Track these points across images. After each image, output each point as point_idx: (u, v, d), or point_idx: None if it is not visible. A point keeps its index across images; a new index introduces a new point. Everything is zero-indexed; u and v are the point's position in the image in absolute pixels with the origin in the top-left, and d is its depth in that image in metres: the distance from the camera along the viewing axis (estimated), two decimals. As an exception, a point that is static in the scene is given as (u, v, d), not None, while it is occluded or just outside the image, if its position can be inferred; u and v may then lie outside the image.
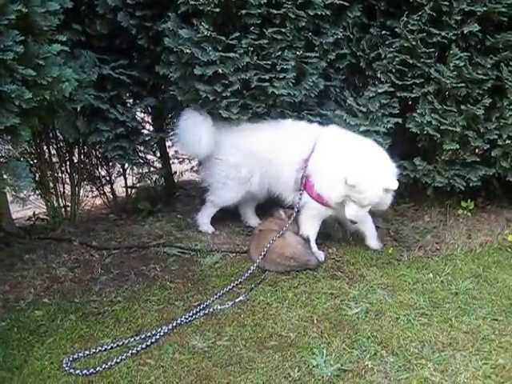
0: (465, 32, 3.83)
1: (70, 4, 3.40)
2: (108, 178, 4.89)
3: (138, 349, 2.74)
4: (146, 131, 4.77)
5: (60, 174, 4.60)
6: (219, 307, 3.09)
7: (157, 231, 4.28)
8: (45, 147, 4.48)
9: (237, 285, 3.33)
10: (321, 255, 3.67)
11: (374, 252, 3.79)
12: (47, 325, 3.04)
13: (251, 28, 3.68)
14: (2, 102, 2.95)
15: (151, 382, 2.53)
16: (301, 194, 3.70)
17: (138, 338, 2.85)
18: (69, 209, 4.57)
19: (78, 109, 4.01)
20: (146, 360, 2.68)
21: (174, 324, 2.94)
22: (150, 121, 4.99)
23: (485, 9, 3.75)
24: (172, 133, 5.16)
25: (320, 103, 4.19)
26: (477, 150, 4.27)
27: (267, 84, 3.75)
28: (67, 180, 4.60)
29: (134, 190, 5.06)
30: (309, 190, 3.67)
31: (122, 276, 3.58)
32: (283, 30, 3.70)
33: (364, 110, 4.05)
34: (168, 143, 5.11)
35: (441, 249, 3.89)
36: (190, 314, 3.02)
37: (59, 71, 3.19)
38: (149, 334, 2.87)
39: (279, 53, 3.75)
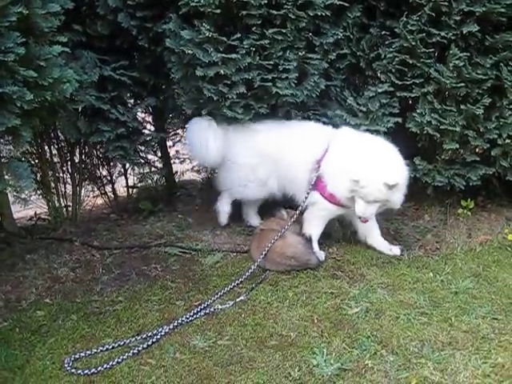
0: (464, 32, 3.83)
1: (70, 5, 3.41)
2: (109, 178, 4.91)
3: (140, 348, 2.76)
4: (146, 131, 4.77)
5: (61, 174, 4.61)
6: (220, 307, 3.11)
7: (158, 231, 4.30)
8: (46, 147, 4.49)
9: (237, 284, 3.34)
10: (321, 255, 3.68)
11: (374, 251, 3.80)
12: (49, 325, 3.05)
13: (253, 28, 3.69)
14: (3, 104, 2.96)
15: (152, 381, 2.54)
16: (308, 194, 3.70)
17: (139, 337, 2.87)
18: (70, 209, 4.58)
19: (79, 109, 4.02)
20: (147, 360, 2.70)
21: (175, 324, 2.95)
22: (151, 121, 5.00)
23: (484, 9, 3.75)
24: (173, 133, 5.21)
25: (321, 103, 4.20)
26: (477, 150, 4.27)
27: (270, 84, 3.76)
28: (68, 180, 4.61)
29: (135, 190, 5.07)
30: (321, 189, 3.67)
31: (123, 276, 3.60)
32: (284, 30, 3.70)
33: (364, 109, 4.06)
34: (169, 143, 5.14)
35: (441, 248, 3.89)
36: (191, 314, 3.04)
37: (60, 72, 3.20)
38: (150, 333, 2.89)
39: (281, 53, 3.76)
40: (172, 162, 5.20)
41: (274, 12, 3.66)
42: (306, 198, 3.71)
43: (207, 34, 3.60)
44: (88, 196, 4.90)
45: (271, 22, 3.72)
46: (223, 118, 3.93)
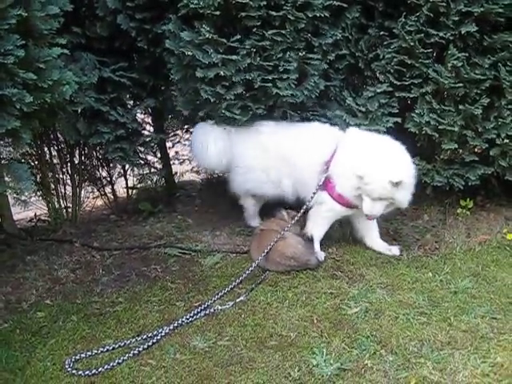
0: (462, 32, 3.84)
1: (69, 7, 3.42)
2: (109, 179, 4.92)
3: (140, 349, 2.77)
4: (146, 132, 4.79)
5: (61, 176, 4.63)
6: (220, 307, 3.11)
7: (157, 232, 4.31)
8: (46, 149, 4.51)
9: (237, 285, 3.35)
10: (322, 255, 3.68)
11: (374, 251, 3.81)
12: (49, 326, 3.06)
13: (253, 30, 3.70)
14: (3, 106, 2.97)
15: (153, 382, 2.55)
16: (314, 194, 3.69)
17: (139, 338, 2.88)
18: (70, 210, 4.59)
19: (79, 111, 4.02)
20: (148, 360, 2.70)
21: (175, 324, 2.96)
22: (151, 122, 5.01)
23: (482, 9, 3.77)
24: (172, 134, 5.22)
25: (320, 103, 4.21)
26: (475, 150, 4.28)
27: (270, 85, 3.76)
28: (68, 181, 4.63)
29: (134, 191, 5.08)
30: (329, 190, 3.67)
31: (123, 277, 3.61)
32: (283, 31, 3.71)
33: (363, 109, 4.06)
34: (168, 144, 5.15)
35: (440, 248, 3.90)
36: (191, 315, 3.04)
37: (60, 74, 3.22)
38: (150, 334, 2.89)
39: (281, 54, 3.77)
40: (171, 162, 5.21)
41: (274, 13, 3.66)
42: (311, 197, 3.71)
43: (207, 36, 3.61)
44: (88, 197, 4.92)
45: (270, 23, 3.72)
46: (221, 120, 3.94)
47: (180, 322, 2.98)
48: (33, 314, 3.20)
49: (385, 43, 4.06)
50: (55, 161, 4.61)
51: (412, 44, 3.89)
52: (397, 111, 4.11)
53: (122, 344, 2.84)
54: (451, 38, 3.88)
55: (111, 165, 4.85)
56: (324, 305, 3.12)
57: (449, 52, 3.88)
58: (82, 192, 4.72)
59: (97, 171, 4.86)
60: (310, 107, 4.16)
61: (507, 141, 3.99)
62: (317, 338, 2.81)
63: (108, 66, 4.03)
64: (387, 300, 3.15)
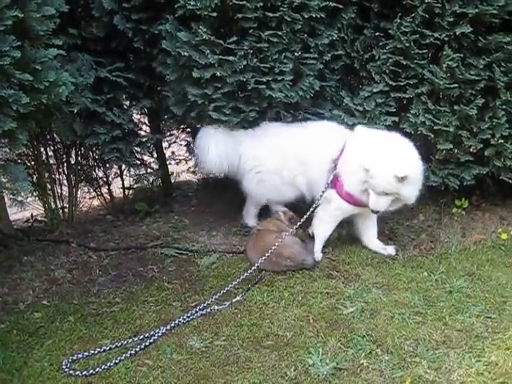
0: (457, 33, 3.86)
1: (65, 8, 3.42)
2: (105, 180, 4.92)
3: (137, 349, 2.78)
4: (142, 133, 4.79)
5: (57, 176, 4.62)
6: (216, 307, 3.13)
7: (154, 232, 4.31)
8: (42, 149, 4.51)
9: (234, 285, 3.36)
10: (319, 256, 3.69)
11: (369, 251, 3.82)
12: (46, 327, 3.07)
13: (250, 31, 3.71)
14: (-1, 107, 2.98)
15: (150, 382, 2.56)
16: (323, 192, 3.68)
17: (136, 338, 2.89)
18: (66, 210, 4.59)
19: (75, 112, 4.01)
20: (145, 360, 2.71)
21: (172, 324, 2.97)
22: (147, 122, 5.01)
23: (476, 11, 3.79)
24: (168, 134, 5.22)
25: (315, 103, 4.22)
26: (470, 150, 4.30)
27: (264, 86, 3.77)
28: (65, 182, 4.63)
29: (131, 191, 5.08)
30: (338, 189, 3.66)
31: (120, 277, 3.61)
32: (279, 32, 3.72)
33: (361, 109, 4.08)
34: (165, 144, 5.15)
35: (435, 247, 3.92)
36: (188, 315, 3.06)
37: (56, 75, 3.22)
38: (147, 334, 2.90)
39: (276, 56, 3.78)
40: (168, 163, 5.21)
41: (270, 14, 3.68)
42: (320, 195, 3.69)
43: (204, 37, 3.62)
44: (84, 197, 4.92)
45: (267, 24, 3.74)
46: (211, 121, 3.94)
47: (177, 322, 2.99)
48: (30, 314, 3.20)
49: (380, 44, 4.08)
50: (51, 161, 4.60)
51: (407, 45, 3.90)
52: (394, 110, 4.12)
53: (119, 344, 2.84)
54: (446, 38, 3.90)
55: (107, 165, 4.84)
56: (320, 304, 3.14)
57: (444, 53, 3.90)
58: (79, 192, 4.71)
59: (93, 171, 4.86)
60: (305, 107, 4.16)
61: (502, 141, 4.01)
62: (313, 337, 2.83)
63: (104, 67, 4.03)
64: (383, 300, 3.17)
